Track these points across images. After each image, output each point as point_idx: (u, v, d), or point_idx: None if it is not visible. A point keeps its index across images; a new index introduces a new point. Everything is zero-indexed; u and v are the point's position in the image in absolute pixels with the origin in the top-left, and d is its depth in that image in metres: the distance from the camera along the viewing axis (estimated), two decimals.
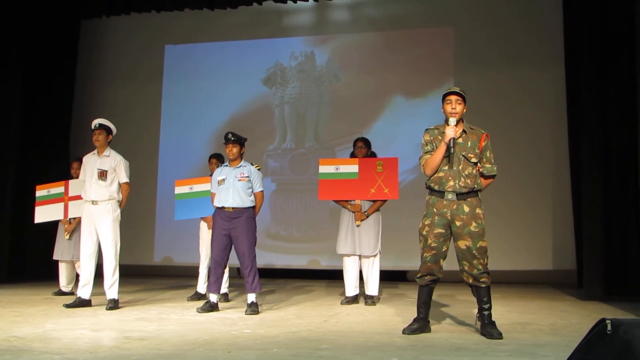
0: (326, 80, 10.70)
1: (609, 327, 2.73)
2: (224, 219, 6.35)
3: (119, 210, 6.74)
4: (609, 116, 7.63)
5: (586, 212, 7.77)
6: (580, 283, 8.17)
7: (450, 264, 5.11)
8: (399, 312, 6.36)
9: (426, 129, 5.20)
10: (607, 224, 7.53)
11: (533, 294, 8.12)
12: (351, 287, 7.14)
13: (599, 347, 2.76)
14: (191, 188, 7.53)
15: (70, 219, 7.87)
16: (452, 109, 4.97)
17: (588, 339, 2.85)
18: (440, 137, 5.00)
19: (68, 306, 6.59)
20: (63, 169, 9.35)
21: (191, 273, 8.42)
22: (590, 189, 7.70)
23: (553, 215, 9.48)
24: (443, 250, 4.98)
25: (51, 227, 8.21)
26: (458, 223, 4.90)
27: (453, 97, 4.99)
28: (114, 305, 6.56)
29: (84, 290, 6.67)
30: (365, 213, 7.05)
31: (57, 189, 7.75)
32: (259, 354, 4.24)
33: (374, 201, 7.10)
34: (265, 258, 9.50)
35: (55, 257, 8.09)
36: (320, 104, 10.66)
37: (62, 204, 7.66)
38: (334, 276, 8.92)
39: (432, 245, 4.95)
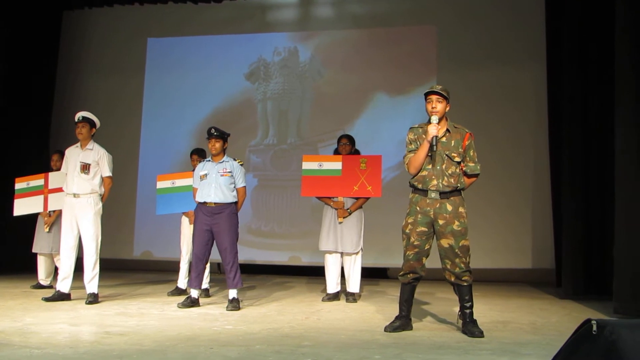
0: (309, 76, 10.67)
1: (594, 328, 2.74)
2: (206, 214, 6.34)
3: (100, 204, 6.70)
4: (588, 116, 7.69)
5: (565, 211, 7.84)
6: (559, 282, 8.24)
7: (432, 262, 5.13)
8: (380, 309, 6.38)
9: (410, 128, 5.22)
10: (586, 224, 7.59)
11: (513, 292, 8.18)
12: (333, 284, 7.14)
13: (585, 347, 2.77)
14: (173, 183, 7.49)
15: (50, 211, 7.80)
16: (433, 107, 5.00)
17: (573, 339, 2.87)
18: (424, 136, 5.02)
19: (47, 300, 6.54)
20: (43, 161, 9.26)
21: (172, 268, 8.39)
22: (569, 188, 7.77)
23: (533, 214, 9.54)
24: (426, 248, 5.00)
25: (30, 220, 8.13)
26: (441, 222, 4.92)
27: (434, 97, 5.02)
28: (93, 299, 6.51)
29: (64, 284, 6.62)
30: (348, 210, 7.05)
31: (36, 181, 7.68)
32: (241, 351, 4.23)
33: (357, 198, 7.12)
34: (247, 254, 9.47)
35: (34, 250, 8.02)
36: (303, 100, 10.64)
37: (41, 197, 7.60)
38: (315, 272, 8.93)
39: (415, 243, 4.97)
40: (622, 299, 6.02)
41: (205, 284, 7.25)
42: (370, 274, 9.04)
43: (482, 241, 8.81)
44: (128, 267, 10.49)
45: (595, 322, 2.74)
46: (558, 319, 5.90)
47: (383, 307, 6.47)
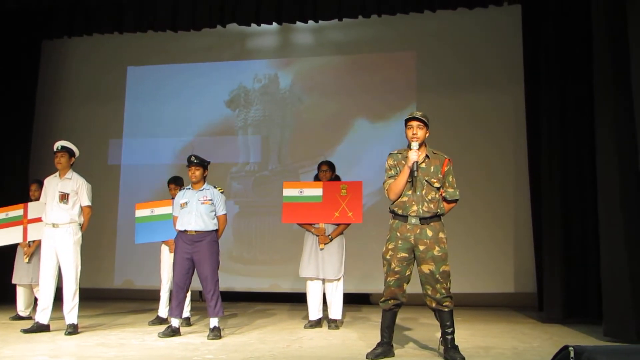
0: (290, 102, 10.69)
1: (572, 354, 2.76)
2: (186, 242, 6.31)
3: (80, 234, 6.66)
4: (568, 138, 7.76)
5: (546, 235, 7.87)
6: (541, 306, 8.25)
7: (413, 287, 5.13)
8: (362, 336, 6.35)
9: (390, 154, 5.24)
10: (567, 247, 7.62)
11: (495, 316, 8.18)
12: (314, 311, 7.11)
13: None
14: (152, 211, 7.46)
15: (29, 242, 7.74)
16: (414, 134, 5.03)
17: None
18: (403, 162, 5.05)
19: (26, 331, 6.47)
20: (23, 191, 9.17)
21: (152, 297, 8.32)
22: (549, 212, 7.81)
23: (514, 238, 9.55)
24: (407, 274, 5.01)
25: (9, 251, 8.04)
26: (421, 247, 4.93)
27: (414, 123, 5.05)
28: (73, 330, 6.44)
29: (43, 315, 6.55)
30: (329, 237, 7.05)
31: (16, 211, 7.60)
32: None
33: (338, 224, 7.11)
34: (228, 281, 9.40)
35: (14, 281, 7.92)
36: (283, 126, 10.65)
37: (21, 227, 7.52)
38: (297, 299, 8.89)
39: (396, 269, 4.97)
40: (611, 320, 6.03)
41: (186, 313, 7.21)
42: (352, 300, 9.00)
43: (463, 266, 8.81)
44: (108, 296, 10.38)
45: (572, 348, 2.75)
46: (540, 344, 5.90)
47: (365, 333, 6.45)
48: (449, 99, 9.93)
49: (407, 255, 4.97)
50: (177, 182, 7.59)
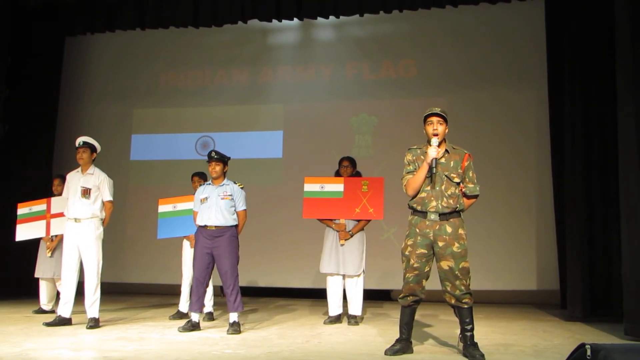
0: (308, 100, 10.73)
1: (588, 353, 2.72)
2: (206, 237, 6.33)
3: (101, 229, 6.70)
4: (591, 136, 7.67)
5: (569, 233, 7.79)
6: (564, 304, 8.17)
7: (432, 284, 5.10)
8: (381, 332, 6.33)
9: (409, 149, 5.21)
10: (590, 245, 7.54)
11: (516, 314, 8.12)
12: (334, 307, 7.11)
13: None
14: (175, 207, 7.49)
15: (52, 236, 7.81)
16: (434, 129, 4.99)
17: None
18: (422, 157, 5.02)
19: (48, 325, 6.52)
20: (46, 186, 9.25)
21: (174, 292, 8.36)
22: (572, 210, 7.73)
23: (537, 235, 9.47)
24: (425, 270, 4.97)
25: (32, 245, 8.13)
26: (441, 243, 4.90)
27: (434, 119, 5.01)
28: (94, 324, 6.50)
29: (65, 309, 6.60)
30: (350, 232, 7.03)
31: (39, 206, 7.70)
32: None
33: (359, 220, 7.09)
34: (248, 276, 9.43)
35: (36, 275, 8.01)
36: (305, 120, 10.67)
37: (44, 222, 7.61)
38: (318, 295, 8.89)
39: (415, 265, 4.94)
40: (632, 319, 5.96)
41: (209, 308, 7.27)
42: (373, 297, 8.99)
43: (485, 262, 8.78)
44: (130, 291, 10.47)
45: (589, 346, 2.71)
46: (561, 342, 5.84)
47: (385, 330, 6.43)
48: (469, 95, 9.87)
49: (426, 252, 4.94)
50: (201, 176, 7.62)
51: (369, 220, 7.14)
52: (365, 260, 7.10)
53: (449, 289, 4.92)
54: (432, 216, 4.94)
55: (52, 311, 7.67)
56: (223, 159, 6.50)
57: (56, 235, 7.77)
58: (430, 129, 5.02)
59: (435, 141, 4.96)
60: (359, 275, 7.05)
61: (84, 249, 6.59)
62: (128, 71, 11.35)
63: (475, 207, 5.35)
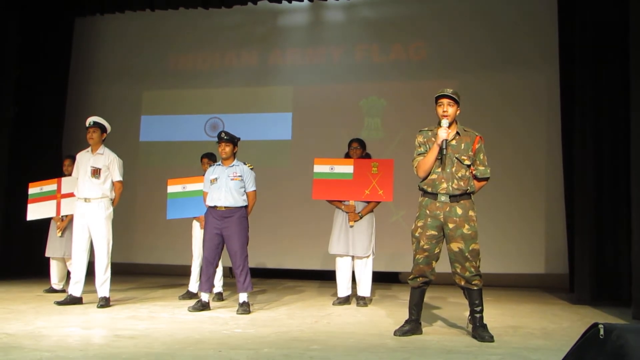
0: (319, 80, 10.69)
1: (601, 332, 2.72)
2: (216, 218, 6.35)
3: (111, 209, 6.73)
4: (602, 121, 7.63)
5: (578, 216, 7.78)
6: (572, 287, 8.18)
7: (442, 266, 5.10)
8: (390, 313, 6.35)
9: (420, 130, 5.20)
10: (599, 229, 7.53)
11: (525, 297, 8.12)
12: (343, 288, 7.13)
13: (591, 351, 2.75)
14: (184, 187, 7.51)
15: (62, 216, 7.84)
16: (444, 111, 4.97)
17: (580, 343, 2.84)
18: (433, 139, 5.00)
19: (59, 303, 6.58)
20: (56, 166, 9.29)
21: (183, 272, 8.40)
22: (582, 194, 7.71)
23: (546, 219, 9.45)
24: (435, 252, 4.98)
25: (43, 224, 8.17)
26: (451, 225, 4.90)
27: (445, 100, 4.99)
28: (105, 303, 6.54)
29: (75, 288, 6.65)
30: (359, 214, 7.04)
31: (49, 186, 7.73)
32: (249, 354, 4.23)
33: (368, 202, 7.10)
34: (257, 258, 9.45)
35: (47, 255, 8.05)
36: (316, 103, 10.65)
37: (54, 202, 7.64)
38: (326, 277, 8.92)
39: (425, 247, 4.95)
40: None
41: (218, 288, 7.30)
42: (382, 279, 8.99)
43: (494, 245, 8.77)
44: (140, 271, 10.52)
45: (602, 326, 2.71)
46: (570, 325, 5.85)
47: (394, 312, 6.44)
48: (481, 78, 9.82)
49: (436, 233, 4.94)
50: (210, 157, 7.62)
51: (378, 202, 7.15)
52: (374, 242, 7.12)
53: (458, 270, 4.93)
54: (443, 198, 4.94)
55: (63, 290, 7.71)
56: (233, 140, 6.50)
57: (66, 215, 7.80)
58: (440, 110, 5.00)
59: (445, 122, 4.94)
60: (368, 257, 7.06)
61: (94, 229, 6.61)
62: (137, 52, 11.34)
63: (486, 190, 5.35)
